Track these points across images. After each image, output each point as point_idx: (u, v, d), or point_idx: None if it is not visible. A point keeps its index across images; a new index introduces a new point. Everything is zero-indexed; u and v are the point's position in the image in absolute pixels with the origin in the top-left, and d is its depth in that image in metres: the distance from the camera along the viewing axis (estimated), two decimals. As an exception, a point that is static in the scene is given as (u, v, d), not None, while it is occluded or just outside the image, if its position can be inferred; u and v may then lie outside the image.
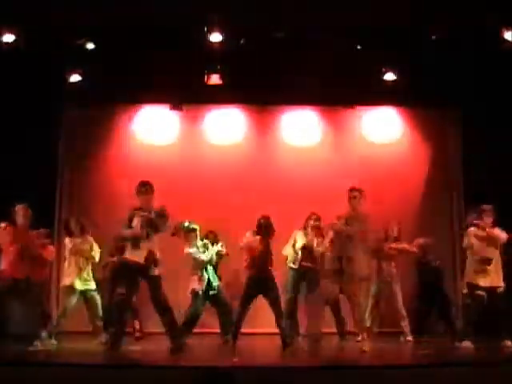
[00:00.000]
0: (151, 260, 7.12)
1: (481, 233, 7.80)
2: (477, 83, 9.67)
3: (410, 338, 8.57)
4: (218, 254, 8.66)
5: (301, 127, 10.76)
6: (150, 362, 6.29)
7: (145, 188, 7.30)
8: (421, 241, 8.93)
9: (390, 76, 9.77)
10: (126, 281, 7.16)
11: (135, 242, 7.09)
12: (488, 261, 7.63)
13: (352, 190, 7.80)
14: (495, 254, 7.75)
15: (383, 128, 10.82)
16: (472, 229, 7.92)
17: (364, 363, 6.19)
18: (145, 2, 8.50)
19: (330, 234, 7.92)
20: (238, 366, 5.67)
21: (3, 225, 7.72)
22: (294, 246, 8.80)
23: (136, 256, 7.08)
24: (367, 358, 6.74)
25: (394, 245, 8.82)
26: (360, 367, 5.78)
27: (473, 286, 7.68)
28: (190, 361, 6.52)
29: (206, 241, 8.58)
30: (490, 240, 7.75)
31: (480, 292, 7.57)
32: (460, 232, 9.51)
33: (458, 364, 5.83)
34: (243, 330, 8.53)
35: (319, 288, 7.99)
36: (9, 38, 8.73)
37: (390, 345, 8.17)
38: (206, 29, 8.96)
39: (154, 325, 8.56)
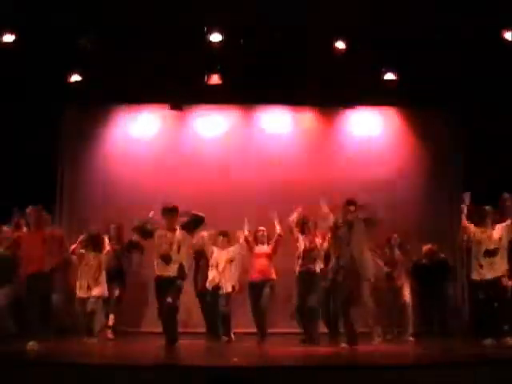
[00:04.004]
0: (183, 273, 7.33)
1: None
2: (477, 83, 9.67)
3: (411, 338, 8.58)
4: None
5: (300, 127, 10.78)
6: (150, 362, 6.29)
7: (170, 212, 7.44)
8: (427, 248, 9.13)
9: (389, 76, 9.78)
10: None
11: (166, 258, 7.24)
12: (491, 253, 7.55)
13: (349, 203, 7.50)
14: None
15: (383, 128, 10.84)
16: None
17: (364, 363, 6.18)
18: (144, 1, 8.51)
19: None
20: (239, 366, 5.66)
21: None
22: None
23: (168, 271, 7.25)
24: (367, 358, 6.74)
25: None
26: (360, 367, 5.77)
27: (475, 284, 7.60)
28: (190, 361, 6.52)
29: None
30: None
31: (480, 295, 7.47)
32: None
33: (458, 364, 5.83)
34: (243, 330, 8.57)
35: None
36: (9, 37, 8.74)
37: (391, 345, 8.17)
38: (205, 29, 8.97)
39: (154, 324, 8.60)
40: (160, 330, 7.96)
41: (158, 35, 8.96)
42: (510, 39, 8.73)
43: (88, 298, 8.18)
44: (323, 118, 10.82)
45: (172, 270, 7.25)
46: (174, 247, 7.28)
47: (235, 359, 6.01)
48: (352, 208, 7.38)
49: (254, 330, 8.47)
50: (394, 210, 10.01)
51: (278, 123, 10.77)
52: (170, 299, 7.13)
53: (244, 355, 6.84)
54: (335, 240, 7.43)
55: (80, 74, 9.67)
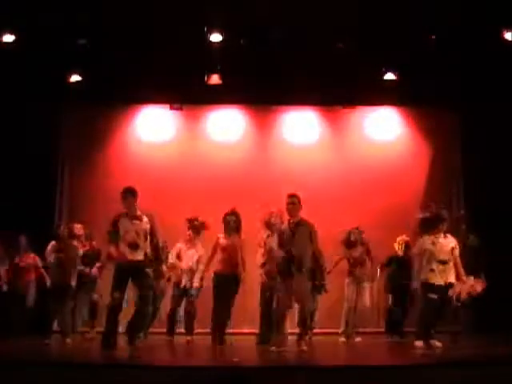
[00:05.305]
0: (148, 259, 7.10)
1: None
2: (477, 83, 9.67)
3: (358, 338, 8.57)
4: None
5: (301, 127, 10.78)
6: (150, 362, 6.29)
7: (128, 194, 7.09)
8: (403, 238, 9.03)
9: (389, 76, 9.78)
10: (123, 282, 7.07)
11: (134, 245, 7.00)
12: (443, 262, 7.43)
13: (289, 196, 7.29)
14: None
15: (383, 128, 10.84)
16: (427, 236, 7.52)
17: (364, 363, 6.18)
18: (144, 1, 8.52)
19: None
20: (239, 366, 5.66)
21: None
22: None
23: (136, 255, 7.02)
24: (367, 358, 6.75)
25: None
26: (360, 367, 5.77)
27: (427, 287, 7.38)
28: (190, 361, 6.51)
29: None
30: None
31: (432, 295, 7.38)
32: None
33: (456, 364, 5.83)
34: (244, 330, 8.57)
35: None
36: (9, 37, 8.74)
37: (389, 344, 8.18)
38: (205, 29, 8.97)
39: (154, 325, 8.60)
40: (158, 329, 7.99)
41: (158, 35, 8.96)
42: (510, 39, 8.73)
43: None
44: (323, 118, 10.82)
45: (140, 256, 6.94)
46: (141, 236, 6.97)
47: (235, 359, 6.01)
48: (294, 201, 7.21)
49: (255, 330, 8.45)
50: (393, 210, 10.03)
51: (278, 123, 10.77)
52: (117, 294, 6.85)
53: (244, 355, 6.84)
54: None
55: (80, 74, 9.67)
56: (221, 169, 10.37)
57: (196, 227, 8.28)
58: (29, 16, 8.49)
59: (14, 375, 5.22)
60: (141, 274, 6.97)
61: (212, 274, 8.00)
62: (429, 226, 7.47)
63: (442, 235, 7.41)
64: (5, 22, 8.67)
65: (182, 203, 9.64)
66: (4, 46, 8.78)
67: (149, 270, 7.09)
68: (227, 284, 7.91)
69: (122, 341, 7.18)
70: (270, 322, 7.72)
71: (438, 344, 7.23)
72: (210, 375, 5.10)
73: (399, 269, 8.98)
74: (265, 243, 7.93)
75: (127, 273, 6.95)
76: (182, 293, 8.21)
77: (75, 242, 8.37)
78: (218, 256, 8.04)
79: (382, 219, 9.82)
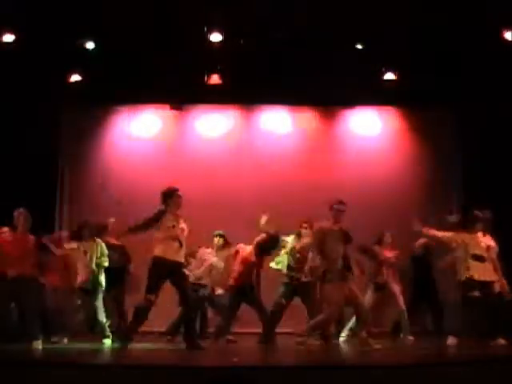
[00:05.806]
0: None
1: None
2: (476, 83, 9.67)
3: (411, 337, 8.56)
4: None
5: (300, 127, 10.78)
6: (151, 362, 6.29)
7: (177, 193, 7.27)
8: (422, 241, 8.98)
9: (389, 76, 9.79)
10: (159, 283, 7.08)
11: (180, 242, 7.10)
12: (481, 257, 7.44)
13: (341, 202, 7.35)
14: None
15: (382, 128, 10.84)
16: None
17: (365, 363, 6.18)
18: (145, 1, 8.52)
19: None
20: (239, 366, 5.66)
21: (5, 229, 7.68)
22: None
23: (179, 255, 7.10)
24: (368, 358, 6.74)
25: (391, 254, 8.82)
26: (360, 367, 5.77)
27: (464, 285, 7.43)
28: (190, 361, 6.51)
29: None
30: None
31: (475, 293, 7.37)
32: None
33: (457, 364, 5.83)
34: (244, 330, 8.57)
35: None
36: (9, 37, 8.74)
37: (390, 345, 8.17)
38: (205, 29, 8.97)
39: (154, 324, 8.59)
40: (159, 329, 7.98)
41: (158, 35, 8.97)
42: (510, 39, 8.74)
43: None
44: (323, 118, 10.82)
45: (181, 257, 7.10)
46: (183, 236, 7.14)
47: (235, 359, 6.01)
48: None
49: (254, 330, 8.45)
50: (393, 210, 10.03)
51: (278, 123, 10.77)
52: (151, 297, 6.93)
53: (244, 355, 6.84)
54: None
55: (80, 74, 9.68)
56: (221, 169, 10.37)
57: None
58: (29, 16, 8.49)
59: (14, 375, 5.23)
60: (180, 275, 7.08)
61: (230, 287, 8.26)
62: (465, 226, 7.53)
63: (480, 234, 7.48)
64: (5, 22, 8.67)
65: (184, 203, 9.63)
66: (4, 46, 8.78)
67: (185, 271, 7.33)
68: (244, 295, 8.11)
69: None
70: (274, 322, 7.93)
71: (503, 342, 7.28)
72: (210, 375, 5.10)
73: (417, 270, 9.05)
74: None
75: (165, 274, 7.00)
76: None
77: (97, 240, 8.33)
78: (238, 267, 8.18)
79: (381, 219, 9.81)
